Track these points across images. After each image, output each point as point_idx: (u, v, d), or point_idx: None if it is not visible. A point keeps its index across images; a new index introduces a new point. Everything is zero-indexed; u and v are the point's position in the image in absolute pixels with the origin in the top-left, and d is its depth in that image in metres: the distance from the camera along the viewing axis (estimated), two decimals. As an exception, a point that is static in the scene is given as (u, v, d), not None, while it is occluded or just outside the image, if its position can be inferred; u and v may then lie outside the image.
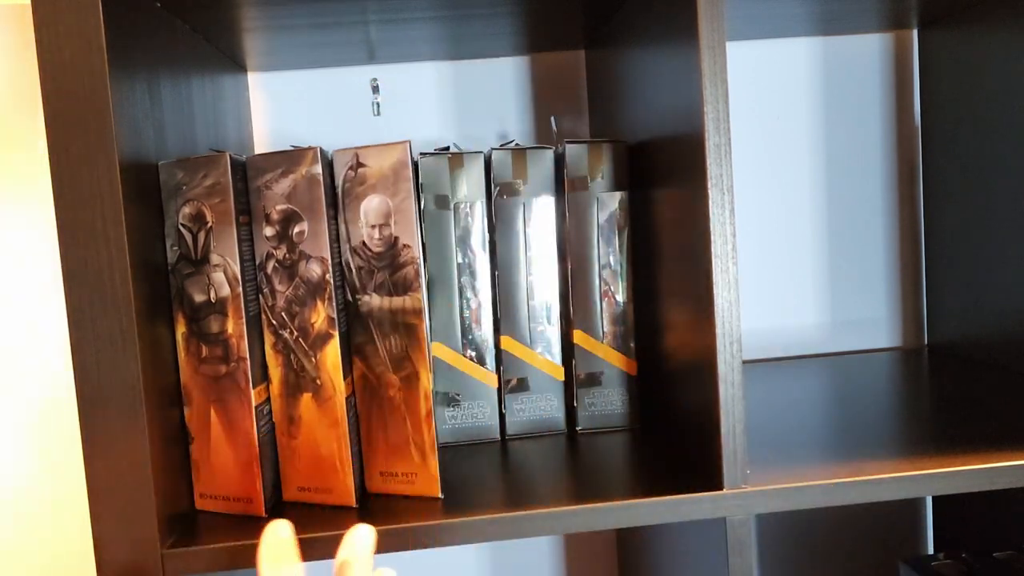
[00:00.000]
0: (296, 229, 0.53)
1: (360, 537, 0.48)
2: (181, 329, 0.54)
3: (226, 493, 0.54)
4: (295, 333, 0.54)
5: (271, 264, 0.54)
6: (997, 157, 0.75)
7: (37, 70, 0.67)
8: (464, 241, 0.64)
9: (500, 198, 0.64)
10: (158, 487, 0.49)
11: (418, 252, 0.53)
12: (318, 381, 0.54)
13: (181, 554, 0.49)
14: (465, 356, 0.65)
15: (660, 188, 0.60)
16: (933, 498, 0.92)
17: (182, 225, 0.53)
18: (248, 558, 0.49)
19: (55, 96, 0.46)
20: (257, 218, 0.54)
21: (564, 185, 0.64)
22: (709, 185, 0.50)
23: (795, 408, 0.69)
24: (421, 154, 0.64)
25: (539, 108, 0.87)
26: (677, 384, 0.59)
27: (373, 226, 0.54)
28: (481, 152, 0.64)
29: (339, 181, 0.54)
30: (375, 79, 0.83)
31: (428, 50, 0.80)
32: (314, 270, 0.53)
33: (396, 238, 0.53)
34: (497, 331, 0.65)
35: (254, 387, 0.53)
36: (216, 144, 0.68)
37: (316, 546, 0.49)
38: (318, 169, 0.52)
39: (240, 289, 0.52)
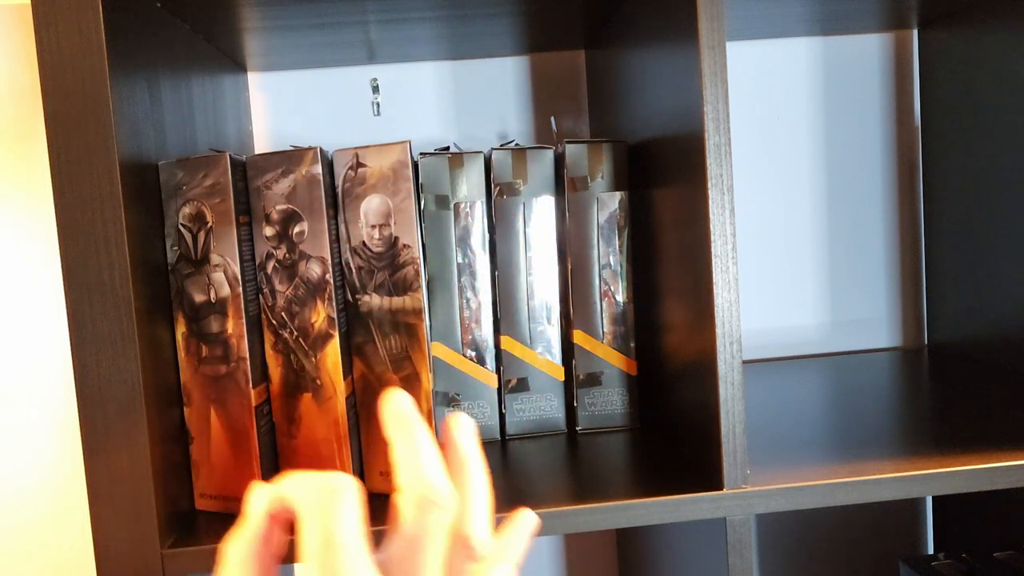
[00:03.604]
0: (296, 229, 0.53)
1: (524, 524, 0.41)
2: (181, 329, 0.54)
3: (226, 493, 0.54)
4: (295, 333, 0.54)
5: (271, 264, 0.54)
6: (997, 157, 0.75)
7: (37, 70, 0.67)
8: (464, 241, 0.64)
9: (500, 198, 0.64)
10: (158, 487, 0.49)
11: (418, 252, 0.53)
12: (318, 381, 0.54)
13: (181, 554, 0.49)
14: (465, 356, 0.65)
15: (660, 188, 0.60)
16: (933, 498, 0.92)
17: (182, 225, 0.53)
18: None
19: (55, 96, 0.46)
20: (257, 218, 0.54)
21: (564, 185, 0.64)
22: (709, 185, 0.50)
23: (795, 408, 0.69)
24: (421, 154, 0.64)
25: (539, 108, 0.87)
26: (677, 384, 0.59)
27: (373, 226, 0.54)
28: (481, 152, 0.64)
29: (339, 181, 0.54)
30: (375, 79, 0.83)
31: (428, 50, 0.80)
32: (314, 270, 0.53)
33: (396, 238, 0.53)
34: (497, 331, 0.65)
35: (254, 387, 0.53)
36: (216, 144, 0.68)
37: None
38: (318, 169, 0.52)
39: (240, 289, 0.52)
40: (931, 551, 0.94)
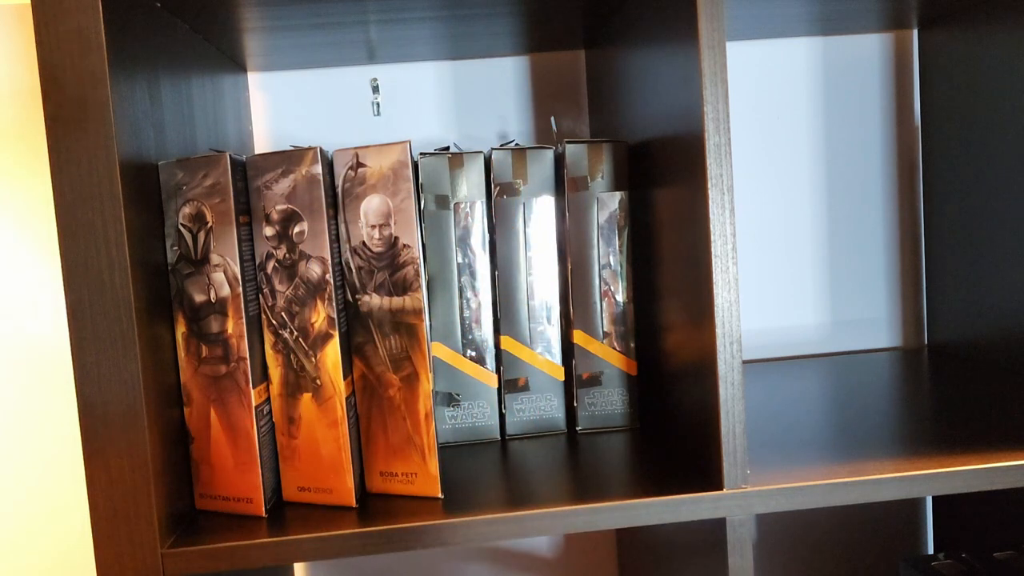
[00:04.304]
0: (296, 229, 0.53)
1: None
2: (181, 329, 0.54)
3: (226, 493, 0.54)
4: (295, 333, 0.54)
5: (271, 264, 0.54)
6: (997, 157, 0.75)
7: (37, 70, 0.67)
8: (464, 241, 0.64)
9: (500, 198, 0.64)
10: (158, 487, 0.49)
11: (418, 252, 0.53)
12: (318, 381, 0.54)
13: (181, 554, 0.49)
14: (465, 356, 0.65)
15: (660, 188, 0.60)
16: (933, 498, 0.92)
17: (182, 225, 0.53)
18: (248, 558, 0.49)
19: (55, 96, 0.46)
20: (257, 218, 0.54)
21: (564, 185, 0.64)
22: (709, 185, 0.50)
23: (795, 408, 0.69)
24: (421, 154, 0.64)
25: (539, 108, 0.87)
26: (677, 384, 0.59)
27: (373, 226, 0.54)
28: (481, 152, 0.64)
29: (339, 181, 0.54)
30: (375, 79, 0.83)
31: (428, 50, 0.80)
32: (314, 270, 0.53)
33: (396, 238, 0.53)
34: (497, 331, 0.65)
35: (254, 387, 0.53)
36: (216, 144, 0.68)
37: (315, 546, 0.49)
38: (318, 169, 0.52)
39: (240, 289, 0.52)
40: (931, 551, 0.94)
